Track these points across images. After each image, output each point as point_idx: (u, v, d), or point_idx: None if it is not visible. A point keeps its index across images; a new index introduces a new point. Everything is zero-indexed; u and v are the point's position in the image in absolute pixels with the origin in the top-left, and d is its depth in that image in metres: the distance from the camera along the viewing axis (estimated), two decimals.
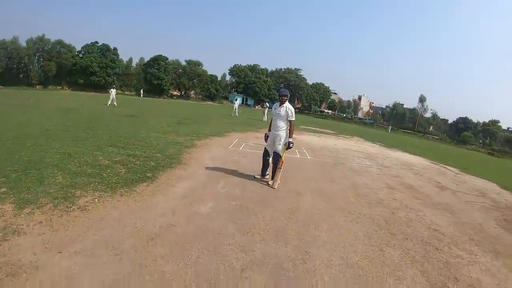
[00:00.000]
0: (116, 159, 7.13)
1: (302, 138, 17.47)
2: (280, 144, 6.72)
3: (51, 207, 4.23)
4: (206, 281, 3.13)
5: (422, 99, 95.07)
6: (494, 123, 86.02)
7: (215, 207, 5.11)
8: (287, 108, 6.67)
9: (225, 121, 21.52)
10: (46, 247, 3.32)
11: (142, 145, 9.06)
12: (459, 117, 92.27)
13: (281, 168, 6.67)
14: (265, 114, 27.90)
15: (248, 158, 9.49)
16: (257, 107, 79.82)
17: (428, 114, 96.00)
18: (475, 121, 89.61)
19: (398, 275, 3.78)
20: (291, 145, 6.62)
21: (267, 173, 7.14)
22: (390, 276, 3.73)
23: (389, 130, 65.84)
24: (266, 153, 7.06)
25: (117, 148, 8.27)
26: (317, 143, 15.89)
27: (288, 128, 6.71)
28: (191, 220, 4.51)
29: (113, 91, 25.28)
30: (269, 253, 3.88)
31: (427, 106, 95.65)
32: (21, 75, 58.31)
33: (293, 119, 6.69)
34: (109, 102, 24.13)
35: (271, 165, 7.02)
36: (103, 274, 3.02)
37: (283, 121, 6.72)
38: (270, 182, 6.77)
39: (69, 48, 60.99)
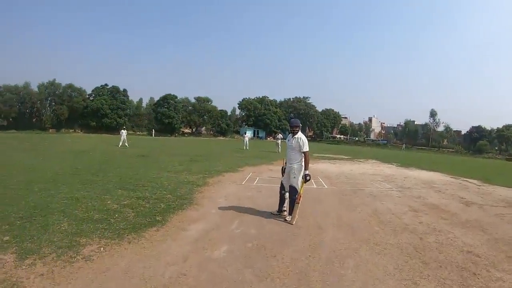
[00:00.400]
0: (125, 202, 6.92)
1: (317, 166, 17.02)
2: (295, 177, 6.39)
3: (54, 258, 3.99)
4: None
5: (433, 114, 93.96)
6: (509, 127, 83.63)
7: (230, 251, 4.74)
8: (299, 139, 6.39)
9: (237, 155, 21.31)
10: None
11: (152, 186, 8.86)
12: (472, 127, 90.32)
13: (298, 203, 6.29)
14: (279, 146, 27.60)
15: (262, 193, 9.14)
16: (269, 138, 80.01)
17: (440, 128, 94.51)
18: (489, 129, 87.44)
19: None
20: (307, 177, 6.22)
21: (284, 208, 6.76)
22: None
23: (403, 149, 64.53)
24: (282, 187, 6.73)
25: (127, 190, 8.09)
26: (333, 171, 15.42)
27: (303, 160, 6.39)
28: (204, 267, 4.14)
29: (124, 132, 25.61)
30: None
31: (438, 119, 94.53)
32: (34, 119, 60.12)
33: (307, 149, 6.37)
34: (121, 144, 24.37)
35: (287, 199, 6.67)
36: None
37: (296, 153, 6.42)
38: (288, 218, 6.38)
39: (80, 91, 63.12)
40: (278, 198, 6.92)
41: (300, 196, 6.32)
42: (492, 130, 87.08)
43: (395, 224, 6.48)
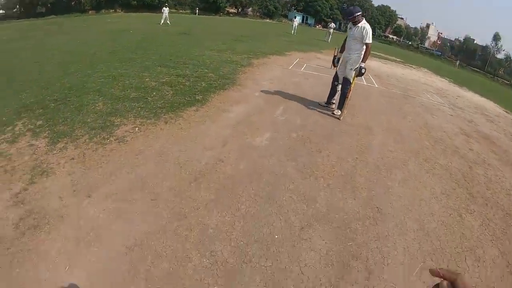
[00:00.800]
0: (164, 80, 6.47)
1: (368, 63, 15.30)
2: (351, 69, 5.46)
3: (86, 140, 3.74)
4: (257, 242, 2.43)
5: (496, 38, 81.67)
6: None
7: (272, 139, 4.29)
8: (363, 28, 5.23)
9: (285, 39, 19.57)
10: (74, 190, 2.82)
11: (193, 64, 8.26)
12: None
13: (348, 98, 5.53)
14: (330, 35, 25.08)
15: (310, 81, 8.29)
16: (317, 26, 73.85)
17: (501, 55, 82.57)
18: None
19: (478, 254, 2.84)
20: (363, 70, 5.30)
21: (333, 101, 6.03)
22: (469, 254, 2.81)
23: (457, 65, 57.30)
24: (335, 78, 5.87)
25: (166, 68, 7.58)
26: (384, 71, 13.66)
27: (363, 51, 5.35)
28: (243, 154, 3.76)
29: (166, 10, 24.15)
30: (335, 206, 3.07)
31: (501, 45, 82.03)
32: (72, 3, 58.23)
33: (370, 41, 5.24)
34: (162, 21, 23.24)
35: (338, 92, 5.87)
36: (133, 226, 2.45)
37: (357, 43, 5.35)
38: (336, 112, 5.71)
39: None
40: (326, 88, 6.17)
41: (350, 90, 5.50)
42: None
43: (446, 144, 5.60)
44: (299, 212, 2.87)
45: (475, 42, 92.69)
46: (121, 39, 13.28)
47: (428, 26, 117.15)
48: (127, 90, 5.62)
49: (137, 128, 4.14)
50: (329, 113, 5.79)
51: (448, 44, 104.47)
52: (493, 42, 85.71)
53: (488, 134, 7.09)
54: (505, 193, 4.25)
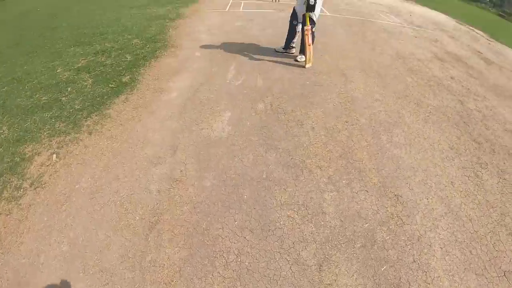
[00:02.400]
0: (80, 64, 4.83)
1: None
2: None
3: None
4: None
5: None
6: None
7: (235, 121, 3.17)
8: None
9: None
10: None
11: (113, 31, 6.45)
12: None
13: (309, 40, 4.24)
14: None
15: (255, 22, 6.78)
16: None
17: None
18: None
19: (509, 225, 2.24)
20: (310, 1, 3.96)
21: (292, 44, 4.75)
22: (501, 228, 2.20)
23: None
24: (294, 16, 4.49)
25: (82, 46, 5.79)
26: None
27: None
28: (205, 160, 2.67)
29: None
30: (349, 212, 2.23)
31: None
32: None
33: None
34: None
35: (298, 33, 4.60)
36: None
37: None
38: (299, 58, 4.53)
39: None
40: (278, 29, 5.15)
41: (308, 30, 4.20)
42: None
43: (427, 76, 4.75)
44: (308, 240, 1.90)
45: None
46: (26, 23, 10.65)
47: None
48: (36, 94, 4.04)
49: (55, 156, 2.82)
50: (292, 60, 4.55)
51: None
52: None
53: (458, 55, 6.34)
54: (502, 129, 3.59)
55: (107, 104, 3.55)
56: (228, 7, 8.13)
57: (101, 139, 2.97)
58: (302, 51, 4.46)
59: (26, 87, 4.31)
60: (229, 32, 5.90)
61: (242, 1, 8.98)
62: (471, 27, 11.20)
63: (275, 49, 4.88)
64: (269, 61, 4.53)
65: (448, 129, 3.38)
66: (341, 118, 3.31)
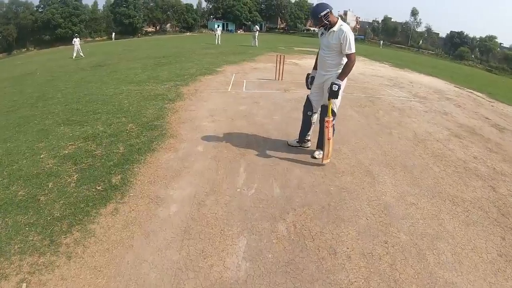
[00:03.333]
0: (66, 151, 4.18)
1: (306, 63, 13.73)
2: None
3: None
4: None
5: (414, 12, 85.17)
6: (491, 38, 75.88)
7: (252, 253, 2.42)
8: (341, 33, 3.39)
9: (211, 52, 17.36)
10: None
11: (107, 111, 5.93)
12: (451, 31, 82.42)
13: (330, 135, 3.67)
14: (256, 39, 23.21)
15: (261, 105, 6.37)
16: (239, 31, 72.40)
17: (421, 28, 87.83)
18: (471, 36, 79.86)
19: None
20: (334, 87, 3.43)
21: (308, 137, 4.18)
22: None
23: (381, 45, 59.36)
24: (309, 107, 3.97)
25: (71, 125, 5.21)
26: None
27: (344, 67, 3.53)
28: None
29: (76, 41, 20.65)
30: None
31: (420, 19, 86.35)
32: None
33: (352, 51, 3.41)
34: (75, 54, 19.84)
35: (313, 124, 4.08)
36: None
37: (335, 55, 3.52)
38: (317, 154, 3.95)
39: (26, 5, 53.02)
40: (286, 114, 4.86)
41: (330, 124, 3.66)
42: (474, 38, 79.31)
43: (452, 161, 4.32)
44: None
45: (392, 20, 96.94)
46: (23, 87, 10.27)
47: (345, 13, 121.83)
48: (14, 185, 3.33)
49: (24, 286, 1.96)
50: (308, 157, 3.95)
51: (367, 26, 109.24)
52: (412, 17, 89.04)
53: (470, 127, 6.15)
54: None
55: (92, 215, 2.79)
56: (230, 87, 7.83)
57: (82, 270, 2.16)
58: (320, 145, 3.86)
59: (5, 172, 3.62)
60: (233, 119, 5.39)
61: (244, 80, 8.76)
62: (469, 90, 11.29)
63: (288, 142, 4.29)
64: (283, 159, 3.90)
65: (491, 229, 2.83)
66: (378, 238, 2.59)
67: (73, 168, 3.70)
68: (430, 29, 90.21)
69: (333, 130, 3.74)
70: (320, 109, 3.81)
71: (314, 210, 2.93)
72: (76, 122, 5.40)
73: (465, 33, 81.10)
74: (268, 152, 4.06)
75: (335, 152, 4.04)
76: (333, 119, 3.68)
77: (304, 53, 18.42)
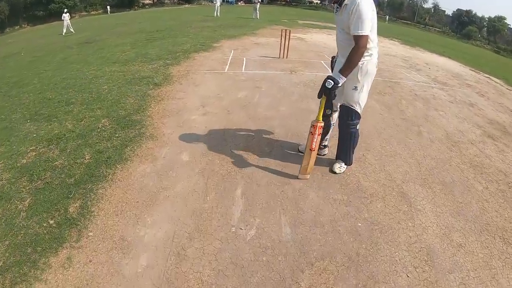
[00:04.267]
0: (25, 160, 3.30)
1: (313, 38, 12.38)
2: (356, 87, 2.60)
3: None
4: None
5: None
6: (501, 19, 71.10)
7: None
8: (352, 4, 2.31)
9: (209, 25, 15.71)
10: None
11: (82, 100, 4.93)
12: (458, 9, 77.95)
13: (314, 149, 2.67)
14: (257, 11, 21.41)
15: (262, 90, 5.30)
16: (240, 3, 68.88)
17: (428, 5, 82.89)
18: (480, 15, 75.07)
19: None
20: (327, 84, 2.39)
21: (325, 143, 3.18)
22: None
23: (387, 20, 56.10)
24: (326, 104, 2.91)
25: (38, 122, 4.29)
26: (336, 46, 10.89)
27: (348, 56, 2.44)
28: None
29: (66, 17, 19.07)
30: None
31: None
32: None
33: (362, 31, 2.30)
34: (64, 31, 18.41)
35: (332, 126, 3.08)
36: None
37: (349, 37, 2.45)
38: (338, 168, 2.98)
39: None
40: (295, 100, 4.06)
41: (315, 127, 2.61)
42: (483, 18, 74.53)
43: (493, 173, 3.37)
44: None
45: None
46: (4, 71, 9.16)
47: None
48: None
49: None
50: (326, 171, 2.94)
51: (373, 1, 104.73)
52: None
53: (501, 124, 5.10)
54: None
55: (39, 267, 1.98)
56: (227, 66, 6.68)
57: None
58: (343, 156, 2.87)
59: None
60: (229, 110, 4.35)
61: (244, 57, 7.59)
62: (485, 75, 10.15)
63: (299, 148, 3.28)
64: (294, 174, 2.89)
65: None
66: None
67: (28, 188, 2.81)
68: (437, 6, 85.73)
69: (355, 137, 2.77)
70: (341, 102, 2.77)
71: (338, 265, 1.99)
72: (44, 116, 4.43)
73: (473, 12, 77.28)
74: (273, 163, 3.07)
75: (358, 163, 3.07)
76: (356, 123, 2.69)
77: (309, 27, 16.86)
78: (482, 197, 2.88)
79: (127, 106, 4.51)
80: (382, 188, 2.79)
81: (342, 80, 2.35)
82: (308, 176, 2.81)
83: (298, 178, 2.81)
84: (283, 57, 7.67)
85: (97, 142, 3.53)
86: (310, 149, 2.60)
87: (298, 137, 3.56)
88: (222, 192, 2.62)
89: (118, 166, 3.03)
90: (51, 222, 2.38)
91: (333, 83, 2.33)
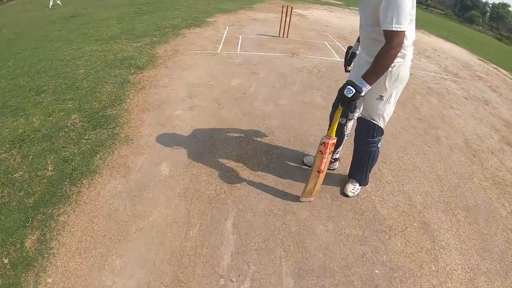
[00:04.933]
0: None
1: (314, 15, 11.35)
2: (381, 97, 1.96)
3: None
4: None
5: None
6: (505, 6, 67.92)
7: None
8: None
9: None
10: None
11: (54, 88, 4.29)
12: None
13: (322, 171, 2.11)
14: None
15: (260, 77, 4.65)
16: None
17: None
18: (483, 0, 71.54)
19: None
20: (347, 91, 1.72)
21: (336, 155, 2.62)
22: None
23: None
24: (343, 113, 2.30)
25: (4, 117, 3.74)
26: (340, 25, 9.83)
27: (376, 58, 1.75)
28: None
29: None
30: None
31: None
32: None
33: (398, 27, 1.59)
34: (51, 3, 17.02)
35: (346, 136, 2.48)
36: None
37: (378, 30, 1.71)
38: (351, 189, 2.42)
39: None
40: (296, 98, 3.51)
41: (326, 145, 2.00)
42: (487, 3, 71.32)
43: None
44: None
45: None
46: None
47: None
48: None
49: None
50: (337, 193, 2.41)
51: None
52: None
53: None
54: None
55: None
56: (220, 46, 5.96)
57: None
58: (359, 176, 2.32)
59: None
60: (220, 104, 3.73)
61: (240, 36, 6.83)
62: (493, 65, 9.49)
63: (304, 161, 2.70)
64: (297, 199, 2.33)
65: None
66: None
67: None
68: None
69: (375, 155, 2.22)
70: (360, 114, 2.16)
71: None
72: (11, 109, 3.83)
73: None
74: (272, 180, 2.51)
75: (374, 180, 2.55)
76: (377, 140, 2.12)
77: (310, 2, 15.68)
78: (507, 226, 2.42)
79: (102, 96, 3.88)
80: (402, 218, 2.28)
81: (366, 89, 1.73)
82: (312, 199, 2.27)
83: (301, 201, 2.27)
84: (283, 36, 6.90)
85: (63, 147, 2.94)
86: (318, 171, 2.04)
87: (302, 143, 2.99)
88: (209, 224, 2.08)
89: (84, 182, 2.47)
90: (5, 261, 1.88)
91: (354, 91, 1.70)
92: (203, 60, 5.20)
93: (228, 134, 3.09)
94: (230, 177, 2.50)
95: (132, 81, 4.29)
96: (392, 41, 1.61)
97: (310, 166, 2.59)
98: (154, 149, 2.84)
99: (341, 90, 1.76)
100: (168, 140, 2.98)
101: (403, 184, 2.61)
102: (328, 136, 1.99)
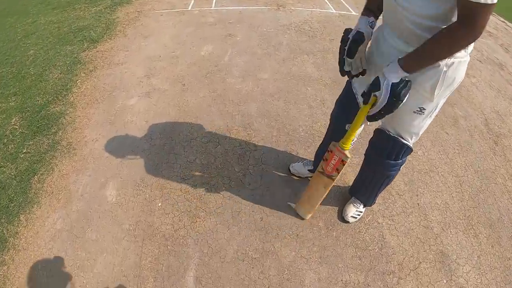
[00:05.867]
0: None
1: None
2: (421, 109, 1.21)
3: None
4: None
5: None
6: None
7: None
8: None
9: None
10: None
11: (2, 76, 3.58)
12: None
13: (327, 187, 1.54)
14: None
15: (237, 40, 3.80)
16: None
17: None
18: None
19: None
20: (385, 84, 1.04)
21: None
22: None
23: None
24: (343, 107, 1.54)
25: None
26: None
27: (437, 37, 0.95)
28: None
29: None
30: None
31: None
32: None
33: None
34: None
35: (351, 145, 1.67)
36: None
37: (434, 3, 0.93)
38: (352, 215, 1.81)
39: None
40: (283, 70, 2.89)
41: (332, 155, 1.42)
42: None
43: None
44: None
45: None
46: None
47: None
48: None
49: None
50: (333, 212, 1.82)
51: None
52: None
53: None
54: None
55: None
56: (192, 2, 4.95)
57: None
58: (364, 197, 1.78)
59: None
60: (185, 84, 3.00)
61: None
62: (501, 19, 8.10)
63: (290, 169, 2.09)
64: (280, 232, 1.78)
65: None
66: None
67: None
68: None
69: (392, 179, 1.60)
70: (380, 126, 1.46)
71: None
72: None
73: None
74: (247, 204, 1.93)
75: (383, 195, 1.93)
76: (401, 163, 1.49)
77: None
78: None
79: (48, 87, 3.18)
80: (415, 248, 1.72)
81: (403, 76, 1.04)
82: (308, 217, 1.70)
83: (293, 215, 1.72)
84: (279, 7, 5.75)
85: (0, 166, 2.35)
86: (327, 174, 1.43)
87: (289, 138, 2.32)
88: (165, 278, 1.56)
89: (21, 218, 1.94)
90: None
91: (401, 87, 1.04)
92: (169, 21, 4.31)
93: (192, 130, 2.42)
94: (192, 201, 1.92)
95: (83, 61, 3.53)
96: (476, 21, 0.87)
97: (299, 177, 1.97)
98: (100, 162, 2.23)
99: (375, 84, 1.08)
100: (117, 146, 2.34)
101: (417, 196, 2.00)
102: (342, 147, 1.38)
